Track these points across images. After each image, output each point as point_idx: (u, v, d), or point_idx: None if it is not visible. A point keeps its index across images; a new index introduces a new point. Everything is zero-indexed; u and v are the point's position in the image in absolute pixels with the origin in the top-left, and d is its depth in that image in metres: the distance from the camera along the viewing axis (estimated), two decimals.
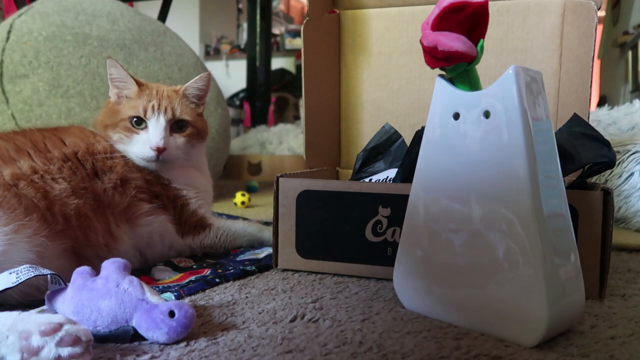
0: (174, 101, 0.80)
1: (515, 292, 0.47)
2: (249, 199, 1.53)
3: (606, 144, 0.63)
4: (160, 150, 0.77)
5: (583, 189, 0.62)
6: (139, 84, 0.81)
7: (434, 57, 0.51)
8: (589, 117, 0.75)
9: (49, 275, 0.52)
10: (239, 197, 1.50)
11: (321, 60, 0.97)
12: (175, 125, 0.81)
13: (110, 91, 0.82)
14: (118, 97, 0.82)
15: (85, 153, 0.74)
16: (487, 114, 0.49)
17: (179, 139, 0.81)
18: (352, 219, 0.70)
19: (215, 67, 4.95)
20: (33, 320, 0.42)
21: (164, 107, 0.79)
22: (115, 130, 0.79)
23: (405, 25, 0.96)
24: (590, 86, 0.77)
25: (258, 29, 3.16)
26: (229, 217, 1.14)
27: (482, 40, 0.50)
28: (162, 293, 0.62)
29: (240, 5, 5.17)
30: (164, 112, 0.79)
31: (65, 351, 0.41)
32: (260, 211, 1.42)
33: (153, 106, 0.78)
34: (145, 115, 0.78)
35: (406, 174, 0.71)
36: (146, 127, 0.78)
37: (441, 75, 0.54)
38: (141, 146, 0.78)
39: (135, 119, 0.78)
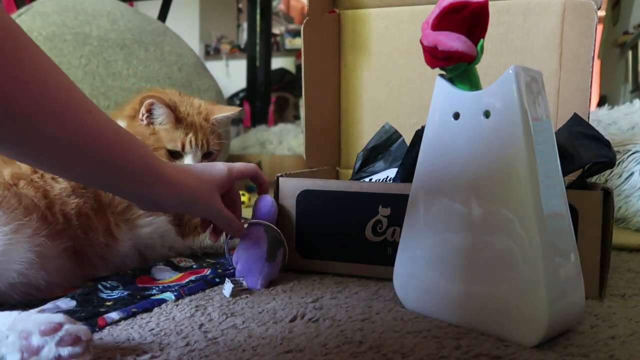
0: (206, 133, 0.85)
1: (515, 292, 0.47)
2: (249, 199, 1.53)
3: (606, 143, 0.63)
4: None
5: (583, 189, 0.62)
6: (177, 119, 0.82)
7: (434, 56, 0.51)
8: (589, 117, 0.75)
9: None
10: None
11: (321, 60, 0.97)
12: (205, 155, 0.86)
13: (141, 114, 0.82)
14: (149, 121, 0.82)
15: None
16: (487, 114, 0.49)
17: None
18: (352, 218, 0.70)
19: (215, 67, 4.94)
20: (33, 319, 0.42)
21: (200, 141, 0.84)
22: None
23: (405, 25, 0.96)
24: (590, 86, 0.77)
25: (258, 29, 3.16)
26: None
27: (482, 40, 0.50)
28: (162, 293, 0.62)
29: (240, 5, 5.16)
30: (200, 146, 0.83)
31: (65, 351, 0.41)
32: None
33: (191, 141, 0.83)
34: (183, 150, 0.83)
35: (406, 174, 0.71)
36: (181, 157, 0.83)
37: (441, 75, 0.54)
38: None
39: (172, 151, 0.82)
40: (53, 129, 0.41)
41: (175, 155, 0.83)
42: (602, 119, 1.38)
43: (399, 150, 0.83)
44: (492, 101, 0.48)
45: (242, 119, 3.67)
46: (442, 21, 0.50)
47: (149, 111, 0.81)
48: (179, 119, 0.83)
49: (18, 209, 0.60)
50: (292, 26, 5.41)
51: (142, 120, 0.82)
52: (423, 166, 0.55)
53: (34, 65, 0.39)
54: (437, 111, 0.54)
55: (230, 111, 0.89)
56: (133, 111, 0.83)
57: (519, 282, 0.47)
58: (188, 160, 0.83)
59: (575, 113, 0.68)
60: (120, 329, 0.52)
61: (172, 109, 0.82)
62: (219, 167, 0.63)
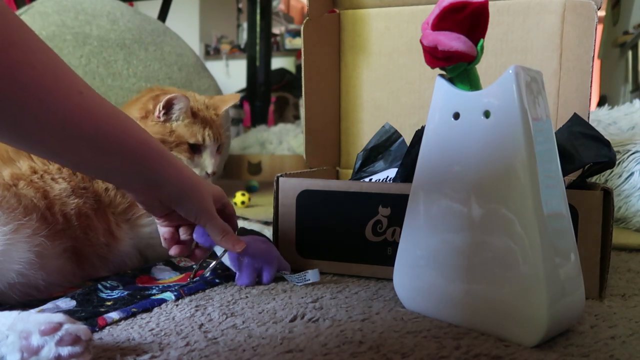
0: (219, 126, 0.87)
1: (515, 292, 0.47)
2: (249, 199, 1.53)
3: (606, 143, 0.63)
4: (213, 174, 0.85)
5: (583, 189, 0.62)
6: (193, 114, 0.83)
7: (434, 56, 0.51)
8: (589, 117, 0.75)
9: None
10: (239, 197, 1.50)
11: (321, 60, 0.97)
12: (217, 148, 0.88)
13: (158, 111, 0.80)
14: (166, 118, 0.81)
15: None
16: (487, 114, 0.49)
17: (218, 158, 0.88)
18: (352, 218, 0.70)
19: (215, 67, 4.94)
20: (33, 319, 0.42)
21: (216, 135, 0.86)
22: (171, 149, 0.81)
23: (405, 25, 0.96)
24: (590, 86, 0.77)
25: (258, 29, 3.16)
26: None
27: (482, 40, 0.50)
28: (162, 292, 0.62)
29: (240, 5, 5.17)
30: (215, 140, 0.85)
31: (65, 350, 0.41)
32: (260, 211, 1.42)
33: (209, 135, 0.84)
34: (203, 143, 0.84)
35: (406, 174, 0.71)
36: (199, 151, 0.84)
37: (441, 75, 0.54)
38: (198, 171, 0.84)
39: (194, 145, 0.83)
40: (40, 109, 0.41)
41: (196, 149, 0.83)
42: (602, 119, 1.38)
43: (399, 150, 0.83)
44: (492, 101, 0.48)
45: (242, 118, 3.68)
46: (442, 21, 0.50)
47: (167, 108, 0.80)
48: (194, 114, 0.83)
49: (18, 209, 0.60)
50: (292, 26, 5.41)
51: (160, 117, 0.80)
52: (423, 166, 0.55)
53: (24, 47, 0.39)
54: (437, 111, 0.54)
55: (232, 100, 0.91)
56: (144, 111, 0.81)
57: (519, 282, 0.47)
58: (207, 154, 0.84)
59: (575, 113, 0.68)
60: (120, 329, 0.52)
61: (190, 106, 0.83)
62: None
